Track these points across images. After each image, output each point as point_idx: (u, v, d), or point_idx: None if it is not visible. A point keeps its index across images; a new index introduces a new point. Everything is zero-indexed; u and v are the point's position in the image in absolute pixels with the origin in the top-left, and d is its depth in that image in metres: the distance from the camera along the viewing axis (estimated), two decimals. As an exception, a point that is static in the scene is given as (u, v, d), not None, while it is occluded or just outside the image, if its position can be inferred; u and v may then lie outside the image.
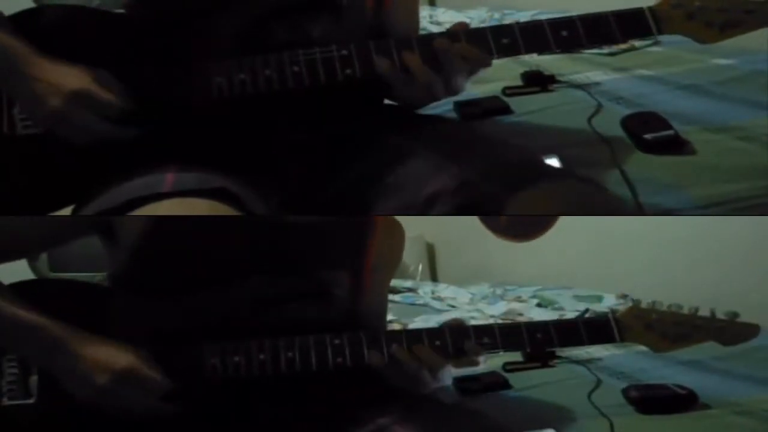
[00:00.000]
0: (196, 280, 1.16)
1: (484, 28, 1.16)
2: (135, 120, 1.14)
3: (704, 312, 1.23)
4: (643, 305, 1.23)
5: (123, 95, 1.14)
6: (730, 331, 1.23)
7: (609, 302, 2.36)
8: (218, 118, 1.17)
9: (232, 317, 1.16)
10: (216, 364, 1.13)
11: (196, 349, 1.14)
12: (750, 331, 1.24)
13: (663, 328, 1.22)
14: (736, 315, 1.23)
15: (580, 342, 1.22)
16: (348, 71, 1.14)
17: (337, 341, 1.15)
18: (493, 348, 1.20)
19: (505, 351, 1.23)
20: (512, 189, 1.12)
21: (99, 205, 1.12)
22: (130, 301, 1.18)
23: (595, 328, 1.22)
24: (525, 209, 1.13)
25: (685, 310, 1.23)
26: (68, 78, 1.12)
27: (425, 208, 1.15)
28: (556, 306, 2.43)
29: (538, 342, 1.20)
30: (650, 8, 1.12)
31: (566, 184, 1.19)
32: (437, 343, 1.17)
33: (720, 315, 1.23)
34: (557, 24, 1.13)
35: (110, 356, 1.10)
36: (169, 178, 1.11)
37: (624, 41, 1.16)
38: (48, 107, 1.12)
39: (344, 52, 1.14)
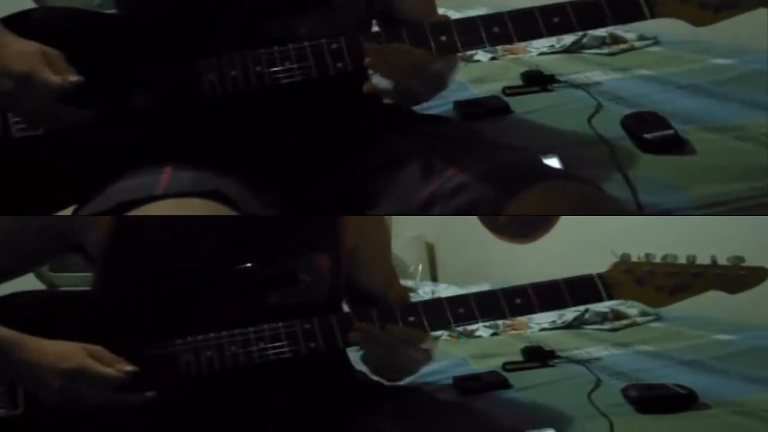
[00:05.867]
0: (170, 278, 1.17)
1: (474, 18, 1.15)
2: (92, 100, 1.13)
3: (704, 260, 1.14)
4: (633, 258, 1.15)
5: (69, 77, 1.12)
6: (734, 277, 1.13)
7: (609, 302, 2.35)
8: (213, 119, 1.17)
9: (210, 312, 1.16)
10: (190, 361, 1.13)
11: (169, 347, 1.14)
12: (757, 275, 1.14)
13: (657, 281, 1.14)
14: (740, 259, 1.13)
15: (563, 304, 1.15)
16: (339, 65, 1.14)
17: (307, 326, 1.14)
18: (470, 318, 1.15)
19: (483, 320, 1.17)
20: (509, 191, 1.12)
21: (93, 207, 1.12)
22: (108, 306, 1.19)
23: (578, 288, 1.15)
24: (522, 212, 1.13)
25: (682, 260, 1.13)
26: (16, 61, 1.11)
27: (422, 210, 1.15)
28: (556, 306, 2.42)
29: (518, 308, 1.14)
30: None
31: (563, 186, 1.18)
32: (411, 319, 1.15)
33: (722, 262, 1.13)
34: (548, 11, 1.12)
35: (59, 358, 1.10)
36: (163, 180, 1.11)
37: (616, 25, 1.15)
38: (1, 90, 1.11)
39: (335, 45, 1.14)
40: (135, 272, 1.19)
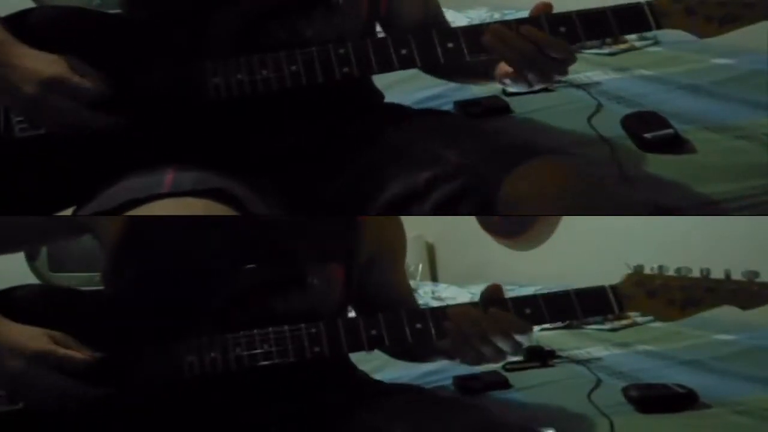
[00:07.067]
0: (177, 276, 1.17)
1: (478, 24, 1.16)
2: (114, 108, 1.13)
3: (717, 274, 1.12)
4: (646, 271, 1.13)
5: (99, 82, 1.12)
6: (748, 292, 1.11)
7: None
8: (216, 119, 1.17)
9: (216, 312, 1.16)
10: (193, 362, 1.13)
11: (173, 347, 1.13)
12: None
13: (669, 294, 1.12)
14: (755, 275, 1.11)
15: (573, 315, 1.14)
16: (345, 69, 1.14)
17: (313, 330, 1.14)
18: None
19: None
20: (509, 165, 1.12)
21: (97, 205, 1.12)
22: (108, 302, 1.20)
23: (589, 299, 1.13)
24: (523, 184, 1.12)
25: (696, 273, 1.12)
26: (44, 65, 1.11)
27: (426, 192, 1.15)
28: (556, 306, 2.43)
29: (528, 318, 1.13)
30: (649, 3, 1.11)
31: (563, 160, 1.18)
32: (418, 326, 1.14)
33: (736, 277, 1.11)
34: (555, 20, 1.12)
35: (21, 341, 1.09)
36: (167, 179, 1.11)
37: (622, 35, 1.14)
38: (22, 94, 1.11)
39: (341, 50, 1.14)
40: (145, 271, 1.19)
